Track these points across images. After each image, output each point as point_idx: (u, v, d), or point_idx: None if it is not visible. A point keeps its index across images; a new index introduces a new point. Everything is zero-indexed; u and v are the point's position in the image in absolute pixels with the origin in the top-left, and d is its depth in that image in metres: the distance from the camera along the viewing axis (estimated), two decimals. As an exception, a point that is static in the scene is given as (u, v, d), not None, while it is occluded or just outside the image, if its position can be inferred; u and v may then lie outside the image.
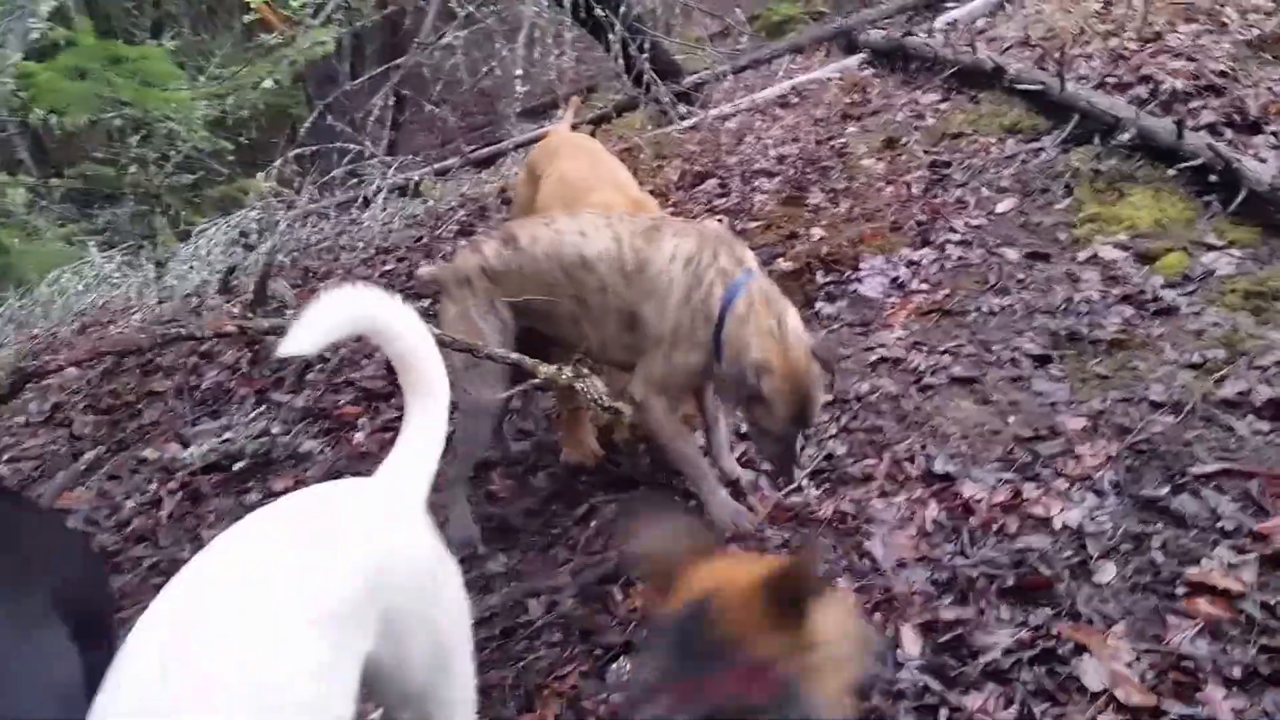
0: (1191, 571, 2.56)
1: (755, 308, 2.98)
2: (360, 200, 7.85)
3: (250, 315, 5.82)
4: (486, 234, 3.47)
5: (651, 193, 5.94)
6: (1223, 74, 4.99)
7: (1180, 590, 2.54)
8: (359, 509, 1.84)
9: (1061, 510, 2.88)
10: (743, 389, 2.95)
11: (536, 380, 3.03)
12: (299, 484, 4.06)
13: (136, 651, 1.46)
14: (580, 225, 3.21)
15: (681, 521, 1.79)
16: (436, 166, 8.85)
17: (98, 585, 2.41)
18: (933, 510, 3.04)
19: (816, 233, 4.94)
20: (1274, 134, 4.43)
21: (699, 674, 1.48)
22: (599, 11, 6.88)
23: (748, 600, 1.52)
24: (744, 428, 3.69)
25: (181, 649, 1.44)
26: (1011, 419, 3.34)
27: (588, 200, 3.65)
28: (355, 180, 8.18)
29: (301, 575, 1.60)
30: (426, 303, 4.43)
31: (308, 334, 1.80)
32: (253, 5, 8.03)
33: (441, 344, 2.93)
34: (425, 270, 3.62)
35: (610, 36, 7.14)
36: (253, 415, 4.78)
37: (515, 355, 3.03)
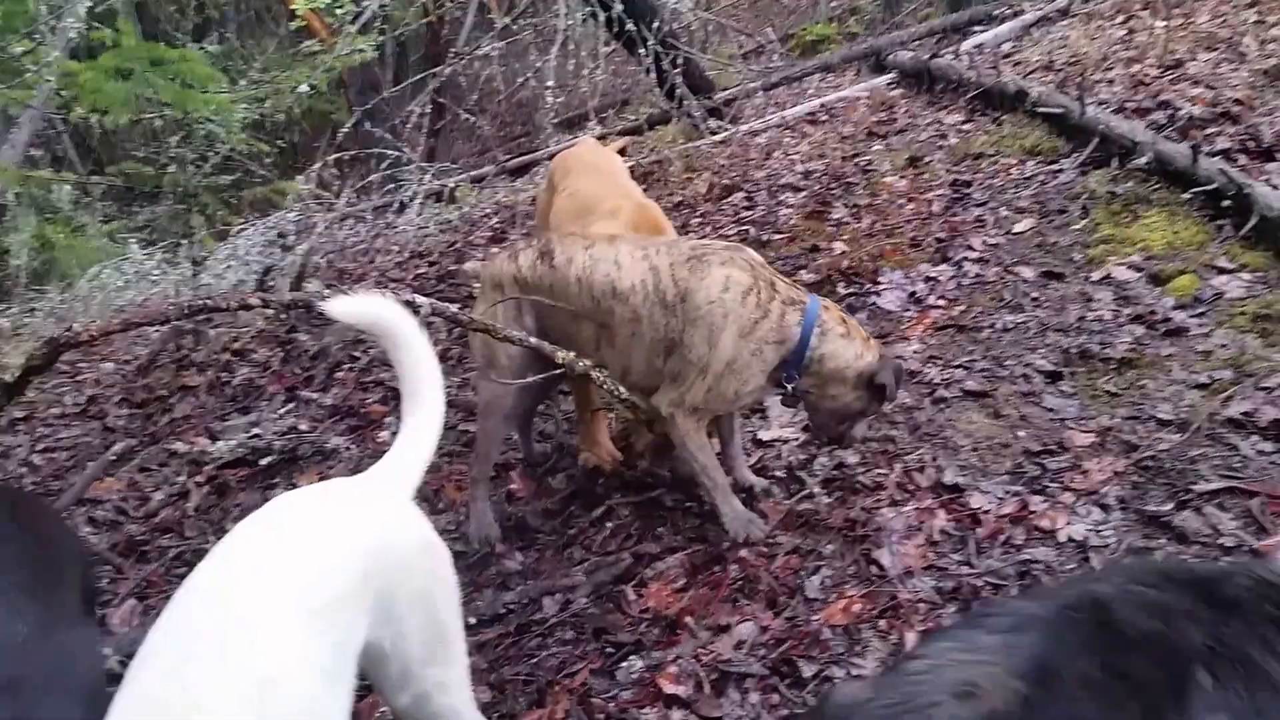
0: (1191, 586, 2.60)
1: (848, 322, 3.15)
2: (397, 205, 7.99)
3: (284, 314, 5.95)
4: (527, 242, 3.51)
5: (680, 204, 6.07)
6: (1239, 102, 5.05)
7: (1179, 604, 2.58)
8: (350, 503, 1.95)
9: (1067, 523, 2.93)
10: (860, 391, 3.14)
11: (557, 369, 3.12)
12: (323, 480, 4.16)
13: (153, 653, 1.57)
14: (617, 254, 3.20)
15: None
16: (473, 174, 8.99)
17: (89, 564, 2.57)
18: (941, 520, 3.09)
19: (838, 246, 5.01)
20: (1287, 161, 4.47)
21: None
22: (631, 27, 6.98)
23: None
24: (761, 434, 3.78)
25: (194, 650, 1.55)
26: (1021, 433, 3.40)
27: (598, 209, 3.78)
28: (393, 185, 8.31)
29: (300, 572, 1.71)
30: (456, 306, 4.52)
31: (343, 306, 2.08)
32: (299, 12, 8.18)
33: (459, 323, 3.06)
34: (470, 265, 3.73)
35: (643, 51, 7.24)
36: (282, 412, 4.88)
37: (534, 340, 3.11)
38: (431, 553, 2.00)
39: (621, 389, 3.18)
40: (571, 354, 3.10)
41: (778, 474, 3.56)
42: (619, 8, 6.82)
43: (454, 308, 3.09)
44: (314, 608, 1.64)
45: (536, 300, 3.32)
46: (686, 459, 3.30)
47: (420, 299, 2.89)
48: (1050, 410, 3.48)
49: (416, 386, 2.17)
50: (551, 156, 8.01)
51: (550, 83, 7.06)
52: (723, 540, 3.26)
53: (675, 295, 3.09)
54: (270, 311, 5.82)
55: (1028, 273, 4.36)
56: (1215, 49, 5.88)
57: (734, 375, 3.09)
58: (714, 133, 7.62)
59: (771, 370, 3.12)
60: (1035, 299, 4.16)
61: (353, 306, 2.10)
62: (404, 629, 1.86)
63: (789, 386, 3.15)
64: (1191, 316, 3.74)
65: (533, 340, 3.12)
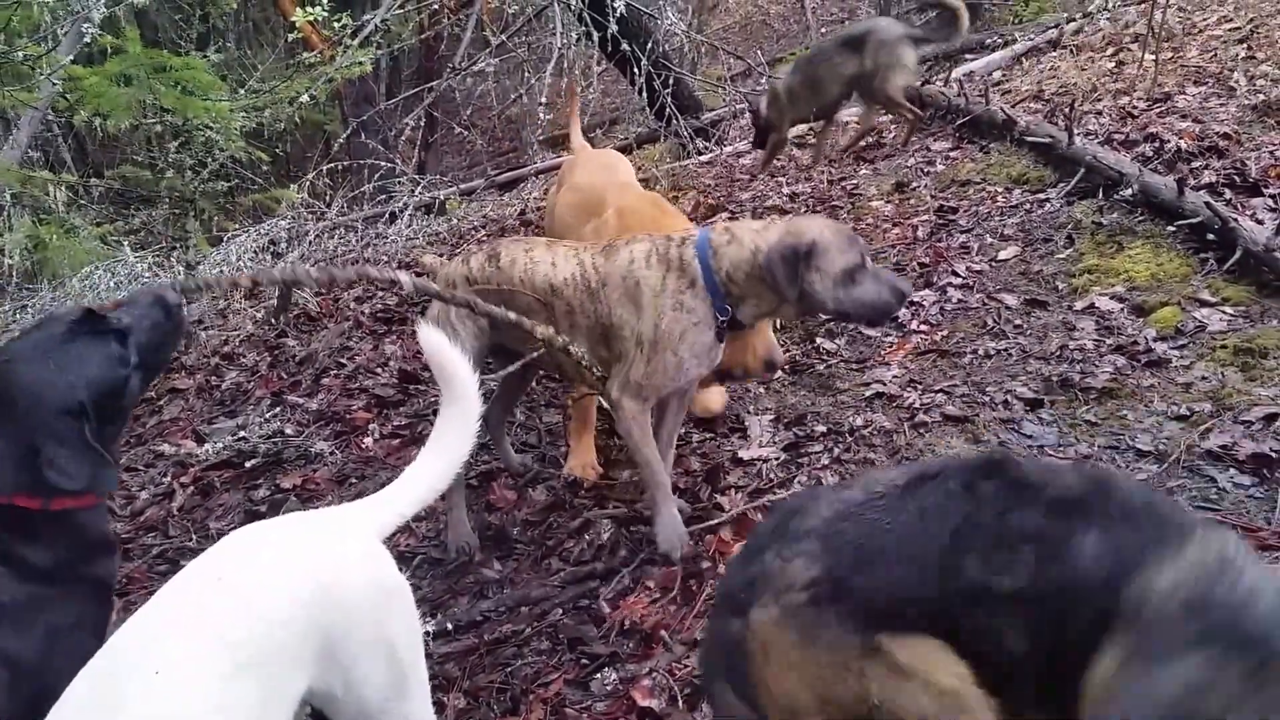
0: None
1: (730, 229, 3.13)
2: (387, 215, 8.03)
3: (273, 321, 5.99)
4: (477, 247, 3.64)
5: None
6: (1227, 136, 5.08)
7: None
8: (305, 547, 1.93)
9: (1042, 550, 2.94)
10: (788, 267, 2.97)
11: (533, 353, 3.25)
12: (307, 483, 4.19)
13: (73, 697, 1.59)
14: (553, 256, 3.35)
15: None
16: (462, 187, 9.05)
17: None
18: (917, 543, 3.09)
19: (822, 268, 5.02)
20: (1273, 196, 4.50)
21: None
22: (626, 46, 7.05)
23: None
24: (741, 453, 3.79)
25: (110, 697, 1.57)
26: (999, 459, 3.42)
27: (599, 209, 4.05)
28: (384, 196, 8.36)
29: (235, 622, 1.71)
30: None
31: (434, 339, 2.20)
32: (297, 24, 8.23)
33: (441, 299, 3.19)
34: (429, 258, 3.82)
35: (635, 71, 7.30)
36: (268, 415, 4.90)
37: (515, 315, 3.19)
38: (390, 596, 1.97)
39: (597, 366, 3.27)
40: (551, 329, 3.21)
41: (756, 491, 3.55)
42: (614, 28, 6.88)
43: (436, 286, 3.17)
44: (241, 661, 1.65)
45: (486, 299, 3.33)
46: (631, 450, 3.32)
47: (403, 275, 2.97)
48: (1029, 437, 3.49)
49: (447, 438, 2.19)
50: (540, 173, 8.16)
51: (543, 100, 7.12)
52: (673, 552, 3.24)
53: (597, 282, 3.22)
54: (260, 315, 5.85)
55: (1011, 300, 4.39)
56: (1204, 83, 5.93)
57: (667, 339, 3.11)
58: (701, 153, 7.69)
59: (708, 320, 3.12)
60: (1018, 326, 4.19)
61: (442, 345, 2.18)
62: (356, 675, 1.85)
63: (723, 320, 3.13)
64: (1173, 349, 3.75)
65: (512, 315, 3.19)
